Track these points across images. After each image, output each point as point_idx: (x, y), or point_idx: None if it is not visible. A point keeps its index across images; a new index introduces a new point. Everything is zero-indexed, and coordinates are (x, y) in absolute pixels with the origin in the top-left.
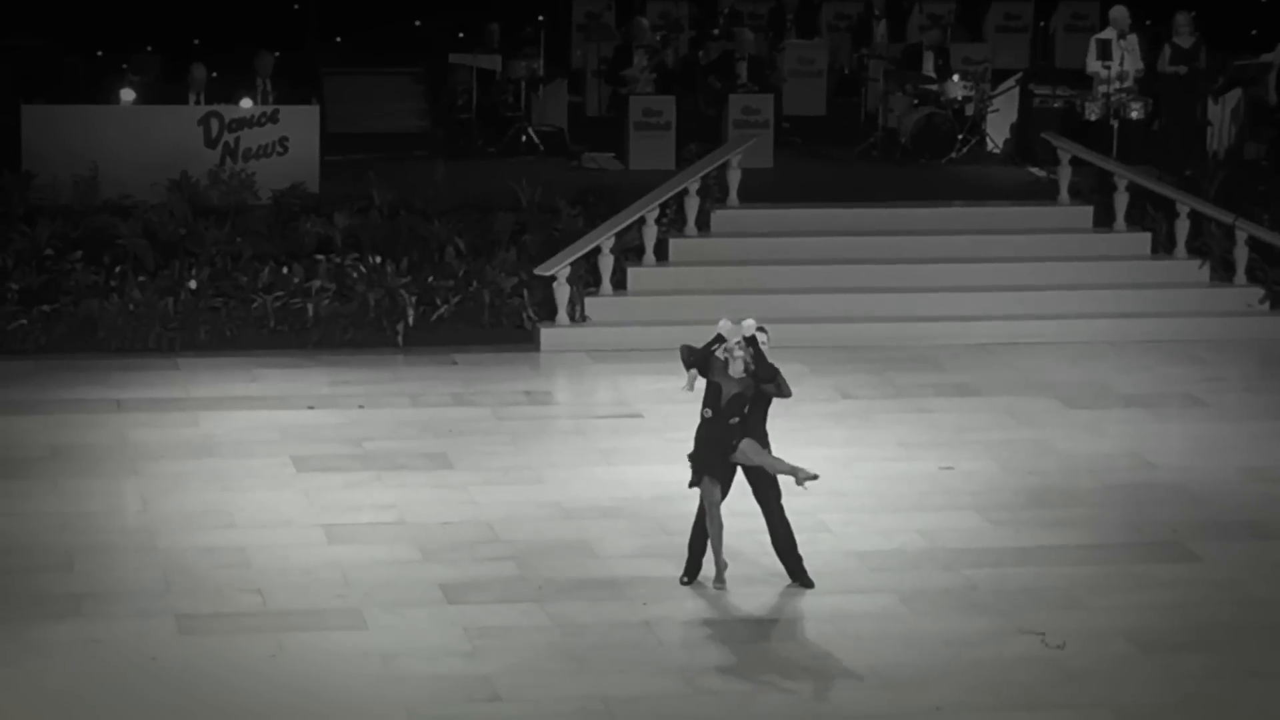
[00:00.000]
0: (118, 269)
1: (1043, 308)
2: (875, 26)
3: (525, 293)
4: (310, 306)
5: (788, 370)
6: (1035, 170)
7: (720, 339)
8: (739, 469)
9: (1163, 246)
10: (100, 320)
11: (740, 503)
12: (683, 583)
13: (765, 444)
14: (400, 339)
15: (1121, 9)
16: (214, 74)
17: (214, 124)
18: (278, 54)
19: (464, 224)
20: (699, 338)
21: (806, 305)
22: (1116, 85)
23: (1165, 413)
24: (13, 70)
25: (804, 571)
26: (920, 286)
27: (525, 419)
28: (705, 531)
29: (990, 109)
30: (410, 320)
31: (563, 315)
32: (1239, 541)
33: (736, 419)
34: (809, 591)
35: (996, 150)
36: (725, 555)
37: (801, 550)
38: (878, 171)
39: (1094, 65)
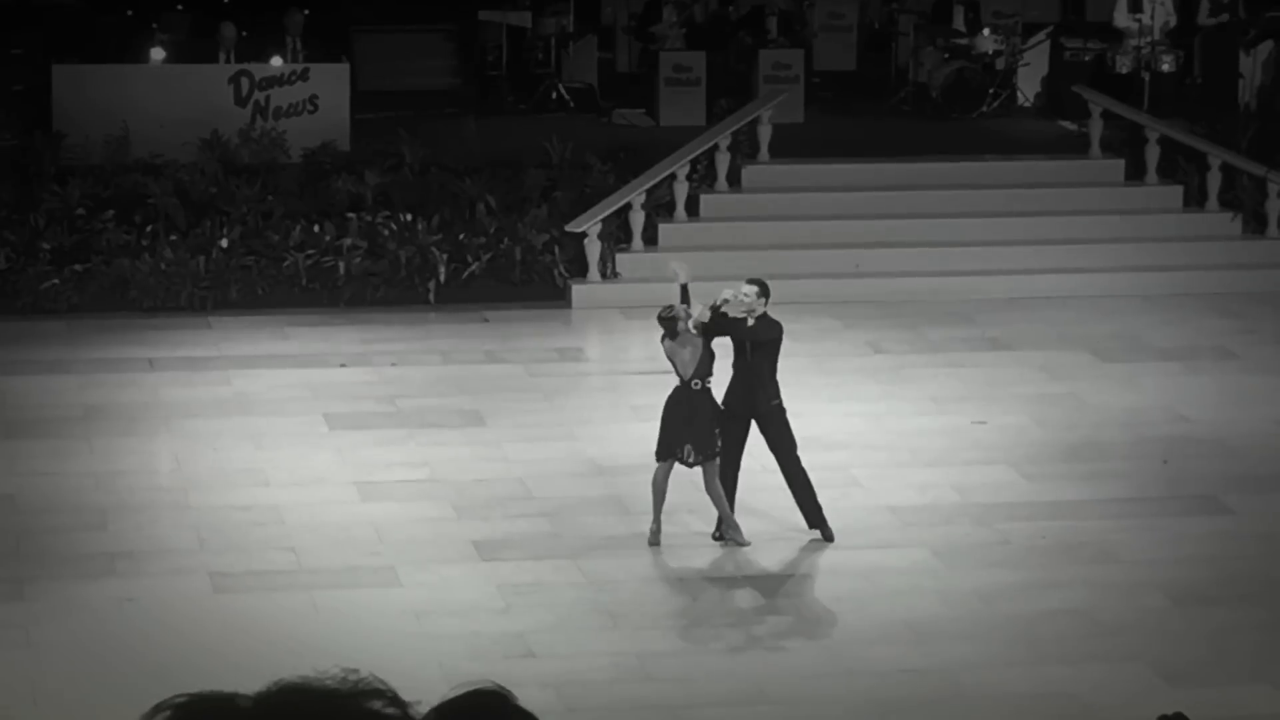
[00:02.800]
0: (149, 228)
1: (1075, 261)
2: None
3: (556, 249)
4: (341, 264)
5: (820, 326)
6: (1066, 124)
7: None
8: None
9: (1194, 199)
10: (132, 279)
11: (759, 459)
12: (714, 538)
13: (776, 393)
14: (432, 296)
15: None
16: (244, 33)
17: (244, 83)
18: (307, 12)
19: (495, 181)
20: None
21: (837, 260)
22: (1148, 39)
23: (1198, 366)
24: (43, 31)
25: (825, 522)
26: (952, 241)
27: (557, 375)
28: (726, 486)
29: (1021, 63)
30: (441, 278)
31: (594, 272)
32: (1273, 494)
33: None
34: (841, 547)
35: (1027, 104)
36: (718, 515)
37: (834, 506)
38: (908, 126)
39: (1122, 19)
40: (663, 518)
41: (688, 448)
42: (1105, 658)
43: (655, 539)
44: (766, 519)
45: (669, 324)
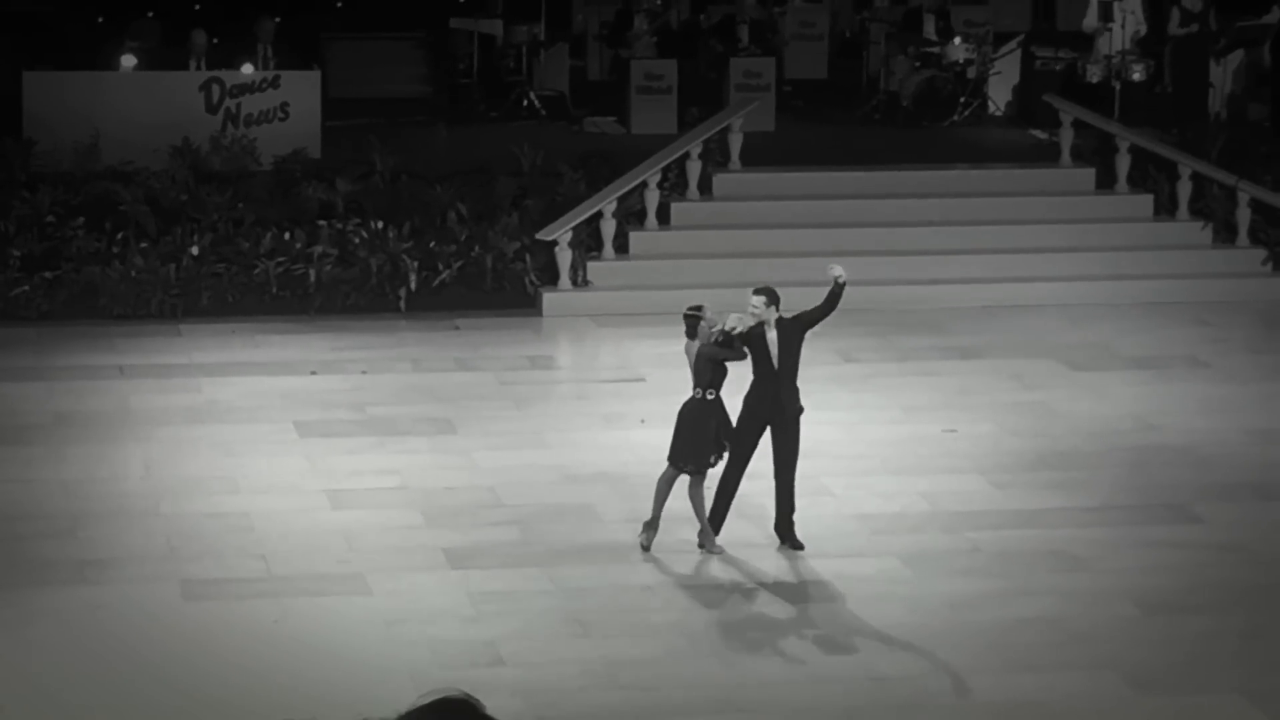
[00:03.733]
0: (120, 235)
1: (1045, 270)
2: None
3: (527, 257)
4: (312, 272)
5: None
6: (1037, 133)
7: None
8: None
9: (1165, 208)
10: (102, 287)
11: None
12: (699, 546)
13: (799, 398)
14: (402, 304)
15: None
16: (215, 40)
17: (215, 90)
18: (278, 19)
19: (466, 189)
20: (700, 301)
21: (808, 268)
22: (1118, 47)
23: (1168, 374)
24: (14, 37)
25: (794, 534)
26: (922, 249)
27: (528, 384)
28: (722, 492)
29: (992, 71)
30: (412, 285)
31: (565, 280)
32: (1243, 503)
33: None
34: (811, 555)
35: (998, 113)
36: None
37: (805, 514)
38: (879, 134)
39: (1092, 24)
40: (638, 525)
41: (713, 456)
42: (1074, 666)
43: (648, 543)
44: (745, 526)
45: (690, 322)
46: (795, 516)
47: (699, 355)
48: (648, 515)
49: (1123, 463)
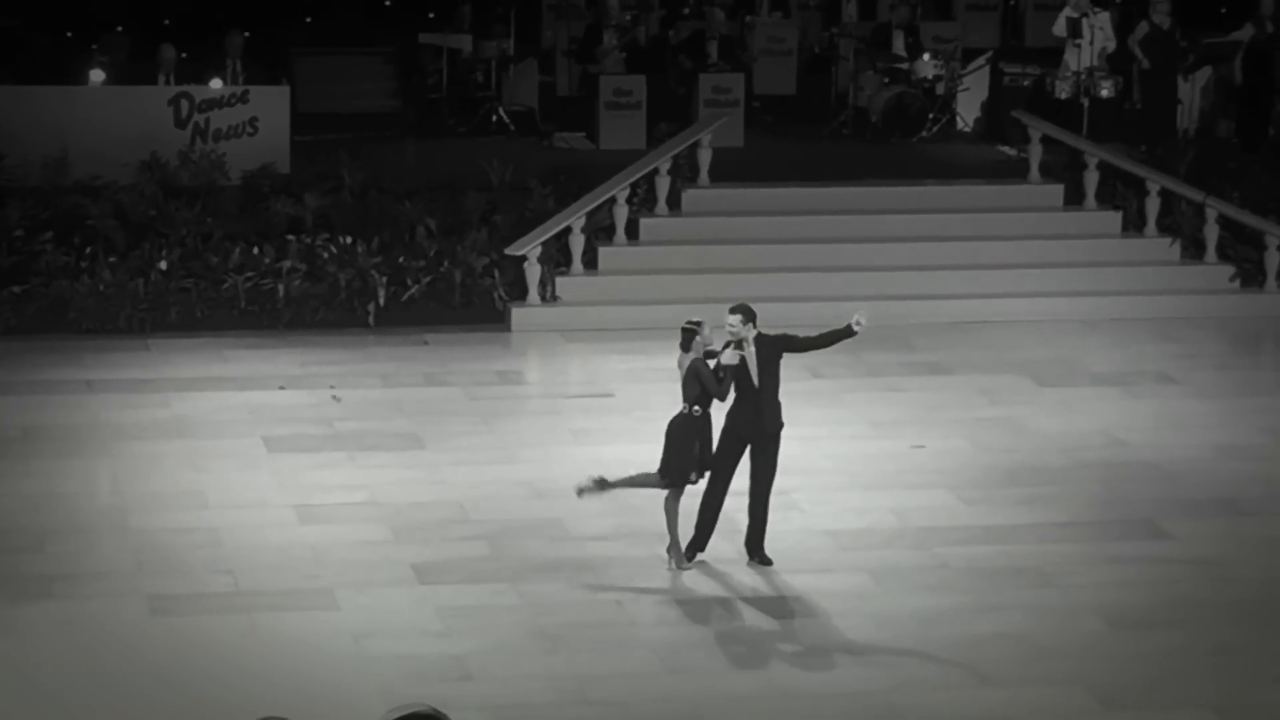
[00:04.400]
0: (88, 250)
1: (1014, 286)
2: (845, 5)
3: (496, 272)
4: (281, 287)
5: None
6: (1006, 149)
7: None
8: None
9: (1133, 225)
10: (71, 301)
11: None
12: (683, 567)
13: (776, 388)
14: (371, 319)
15: None
16: (184, 55)
17: (184, 104)
18: (247, 34)
19: (435, 204)
20: (670, 317)
21: (777, 284)
22: (1087, 64)
23: (1137, 390)
24: None
25: (762, 549)
26: (891, 265)
27: (497, 399)
28: (706, 509)
29: (960, 87)
30: (381, 300)
31: (534, 295)
32: (1211, 519)
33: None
34: (779, 570)
35: (967, 129)
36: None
37: (773, 529)
38: (848, 150)
39: (1061, 31)
40: (608, 541)
41: (694, 474)
42: (1042, 681)
43: (683, 561)
44: (714, 542)
45: (687, 336)
46: (765, 532)
47: (688, 370)
48: (630, 531)
49: (1091, 479)
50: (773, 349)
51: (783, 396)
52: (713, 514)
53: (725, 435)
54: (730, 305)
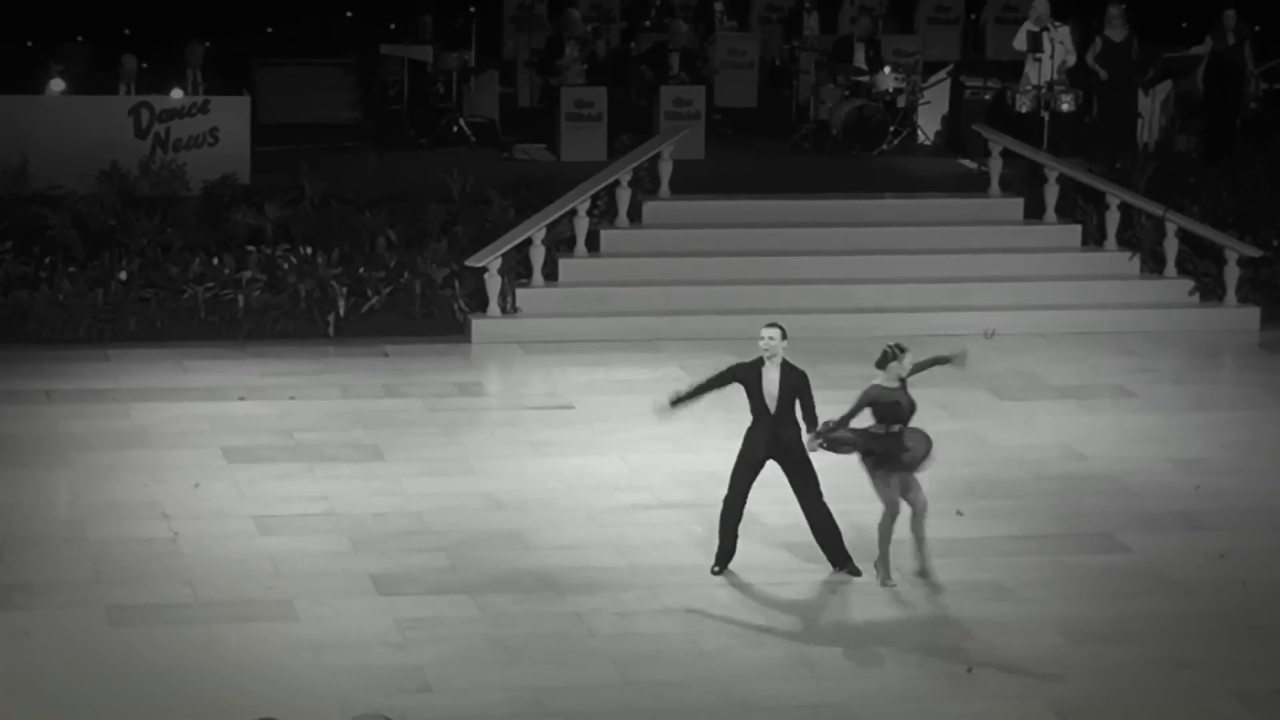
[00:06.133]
0: (47, 260)
1: (974, 299)
2: (806, 18)
3: (456, 284)
4: (241, 297)
5: (719, 362)
6: (966, 162)
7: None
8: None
9: (1093, 238)
10: (30, 311)
11: (673, 494)
12: (714, 572)
13: (791, 412)
14: (331, 330)
15: (1042, 1)
16: (144, 65)
17: (144, 114)
18: (208, 44)
19: (395, 215)
20: (630, 329)
21: (737, 296)
22: (1047, 77)
23: (1096, 404)
24: None
25: (848, 559)
26: (851, 278)
27: (456, 410)
28: (727, 522)
29: (921, 101)
30: (341, 311)
31: (494, 306)
32: (1169, 532)
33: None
34: (739, 582)
35: (927, 142)
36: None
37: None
38: (809, 163)
39: (1023, 45)
40: (567, 552)
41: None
42: (1001, 695)
43: (886, 577)
44: (671, 551)
45: (884, 357)
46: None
47: (865, 393)
48: (582, 542)
49: (1050, 492)
50: (794, 384)
51: (740, 409)
52: (732, 524)
53: (741, 455)
54: (767, 321)
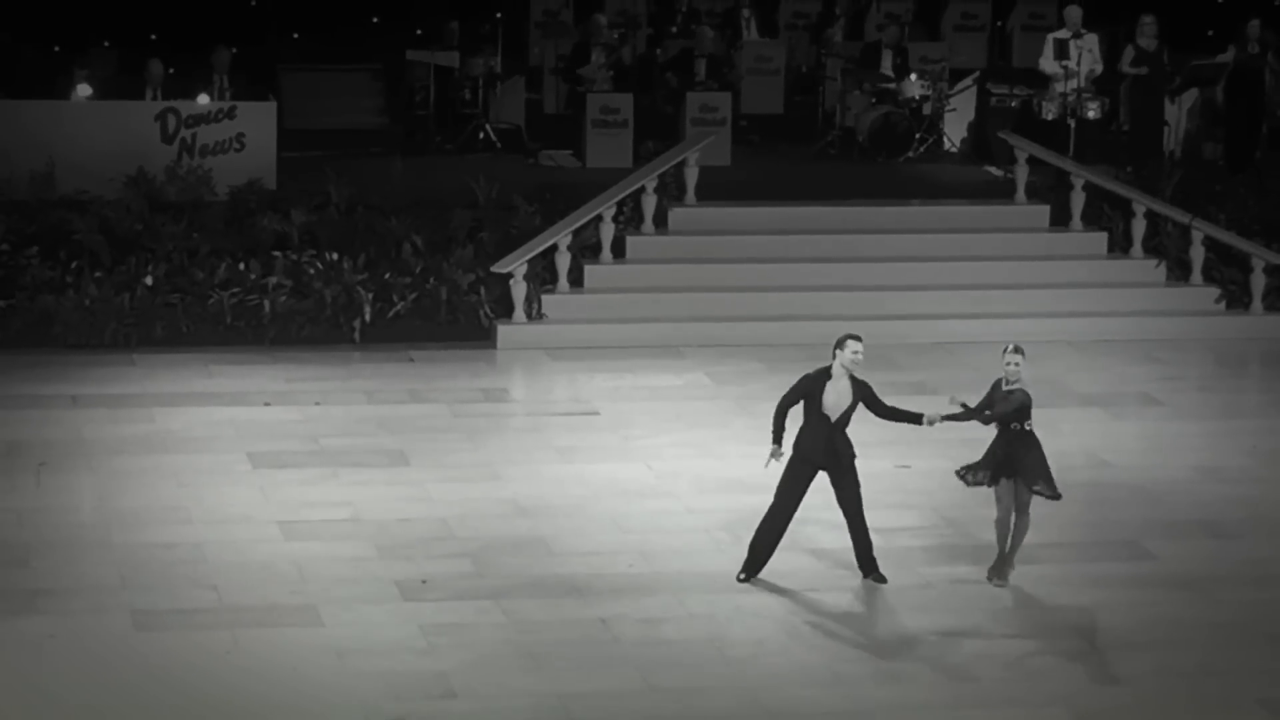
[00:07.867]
0: (74, 264)
1: (999, 307)
2: (833, 25)
3: (482, 290)
4: (267, 303)
5: (745, 368)
6: (992, 169)
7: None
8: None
9: (1119, 246)
10: (56, 316)
11: (698, 500)
12: (739, 579)
13: (847, 423)
14: (357, 335)
15: (1075, 8)
16: (171, 70)
17: (171, 120)
18: (235, 50)
19: (421, 221)
20: (656, 335)
21: (763, 303)
22: (1074, 85)
23: (1121, 412)
24: None
25: (875, 567)
26: (877, 285)
27: (482, 416)
28: (770, 530)
29: (947, 108)
30: (367, 317)
31: (520, 313)
32: (1194, 540)
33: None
34: (763, 591)
35: (954, 149)
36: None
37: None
38: (835, 170)
39: (1050, 65)
40: (592, 558)
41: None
42: (1024, 703)
43: (1003, 580)
44: (698, 559)
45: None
46: (871, 551)
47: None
48: (607, 548)
49: (1075, 499)
50: (864, 394)
51: (765, 415)
52: (775, 537)
53: (794, 461)
54: (850, 334)
